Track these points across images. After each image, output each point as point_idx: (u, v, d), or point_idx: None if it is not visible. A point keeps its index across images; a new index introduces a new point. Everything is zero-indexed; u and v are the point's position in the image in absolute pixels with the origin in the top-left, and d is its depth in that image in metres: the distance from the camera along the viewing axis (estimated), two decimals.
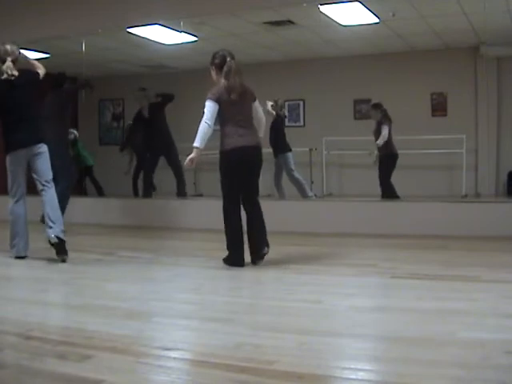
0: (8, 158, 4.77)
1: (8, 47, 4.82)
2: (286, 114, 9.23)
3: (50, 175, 4.86)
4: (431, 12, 7.77)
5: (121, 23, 8.07)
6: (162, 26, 8.23)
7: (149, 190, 8.65)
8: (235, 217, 4.46)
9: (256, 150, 4.51)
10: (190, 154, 4.35)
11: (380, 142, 7.72)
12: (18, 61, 4.88)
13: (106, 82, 11.31)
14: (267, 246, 4.47)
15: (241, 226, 4.48)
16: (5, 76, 4.73)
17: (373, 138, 8.06)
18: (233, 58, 4.49)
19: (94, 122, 12.06)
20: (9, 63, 4.73)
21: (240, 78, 4.47)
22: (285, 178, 8.25)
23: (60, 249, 4.65)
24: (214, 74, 4.54)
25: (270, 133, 7.97)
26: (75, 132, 9.63)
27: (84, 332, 2.66)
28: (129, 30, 8.43)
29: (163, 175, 9.14)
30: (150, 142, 8.47)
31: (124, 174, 9.36)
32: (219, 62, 4.48)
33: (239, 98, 4.44)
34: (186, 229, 7.11)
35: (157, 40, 8.97)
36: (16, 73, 4.74)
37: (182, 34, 8.57)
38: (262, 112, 4.71)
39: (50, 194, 4.82)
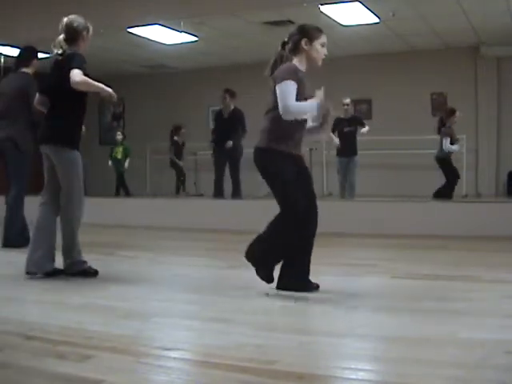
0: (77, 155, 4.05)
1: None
2: None
3: None
4: (431, 12, 7.78)
5: (121, 23, 8.08)
6: (162, 25, 8.24)
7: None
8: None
9: (256, 153, 3.64)
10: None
11: None
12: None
13: (106, 82, 11.30)
14: (267, 275, 3.57)
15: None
16: None
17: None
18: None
19: (94, 121, 12.06)
20: None
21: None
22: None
23: None
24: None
25: None
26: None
27: (84, 332, 2.65)
28: (129, 29, 8.44)
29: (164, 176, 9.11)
30: None
31: None
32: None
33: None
34: (186, 229, 7.10)
35: (157, 40, 8.98)
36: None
37: (182, 33, 8.58)
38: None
39: None
